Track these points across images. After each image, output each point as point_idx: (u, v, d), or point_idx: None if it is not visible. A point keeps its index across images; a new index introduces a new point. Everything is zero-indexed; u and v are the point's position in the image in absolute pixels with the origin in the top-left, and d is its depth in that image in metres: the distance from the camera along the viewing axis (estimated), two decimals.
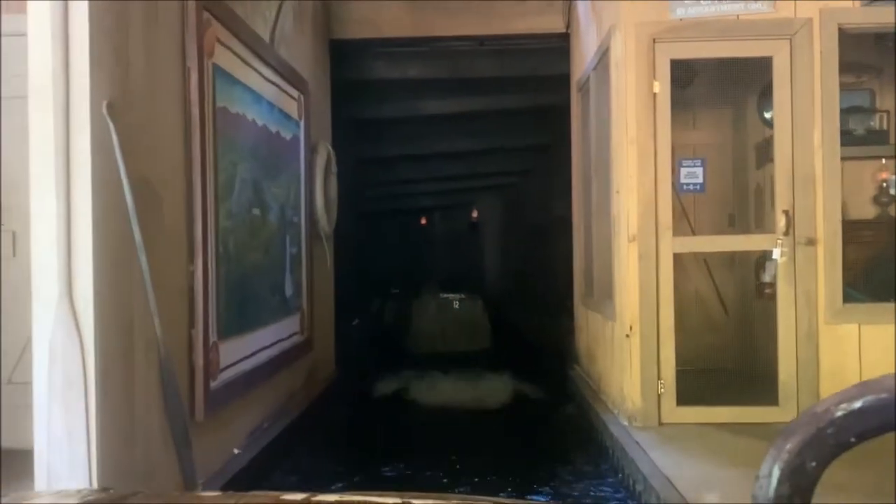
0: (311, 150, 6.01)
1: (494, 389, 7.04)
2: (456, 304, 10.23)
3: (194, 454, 3.42)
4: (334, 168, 6.53)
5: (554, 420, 5.88)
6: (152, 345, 3.13)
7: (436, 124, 9.70)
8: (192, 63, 3.52)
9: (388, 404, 6.57)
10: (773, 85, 4.65)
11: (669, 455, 3.94)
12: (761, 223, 6.59)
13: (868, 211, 5.77)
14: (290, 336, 5.19)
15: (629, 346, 4.65)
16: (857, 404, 0.70)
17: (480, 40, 7.40)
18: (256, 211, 4.43)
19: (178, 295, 3.43)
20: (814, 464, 0.71)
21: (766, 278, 6.31)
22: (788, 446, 0.71)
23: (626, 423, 4.62)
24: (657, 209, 4.64)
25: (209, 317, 3.61)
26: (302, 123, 5.63)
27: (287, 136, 5.19)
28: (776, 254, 4.62)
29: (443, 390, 7.06)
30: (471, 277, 16.90)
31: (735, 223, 6.69)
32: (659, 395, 4.58)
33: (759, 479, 0.72)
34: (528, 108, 8.95)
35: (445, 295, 10.52)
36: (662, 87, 4.66)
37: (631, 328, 4.64)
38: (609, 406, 5.12)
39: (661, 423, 4.56)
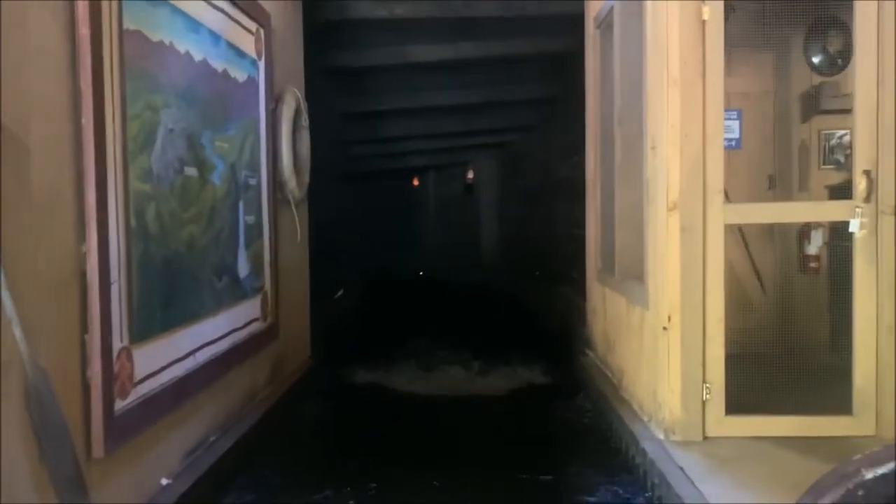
0: (276, 99, 4.99)
1: (494, 378, 6.14)
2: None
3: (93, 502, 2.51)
4: (306, 121, 5.50)
5: (566, 422, 4.96)
6: (13, 363, 2.18)
7: (427, 73, 8.64)
8: None
9: (366, 397, 5.64)
10: (855, 14, 3.66)
11: (728, 491, 3.03)
12: (806, 186, 5.71)
13: None
14: (247, 324, 4.24)
15: (667, 340, 3.72)
16: (888, 468, 0.73)
17: None
18: (192, 171, 3.42)
19: (61, 287, 2.46)
20: None
21: (812, 250, 5.44)
22: None
23: (661, 436, 3.72)
24: (705, 169, 3.68)
25: (113, 315, 2.65)
26: (262, 64, 4.60)
27: (239, 77, 4.16)
28: (854, 225, 3.66)
29: (434, 377, 6.16)
30: (466, 244, 15.95)
31: (775, 185, 5.81)
32: (703, 403, 3.67)
33: None
34: (531, 54, 7.90)
35: None
36: (714, 12, 3.66)
37: (669, 319, 3.70)
38: (636, 411, 4.21)
39: (705, 437, 3.67)
